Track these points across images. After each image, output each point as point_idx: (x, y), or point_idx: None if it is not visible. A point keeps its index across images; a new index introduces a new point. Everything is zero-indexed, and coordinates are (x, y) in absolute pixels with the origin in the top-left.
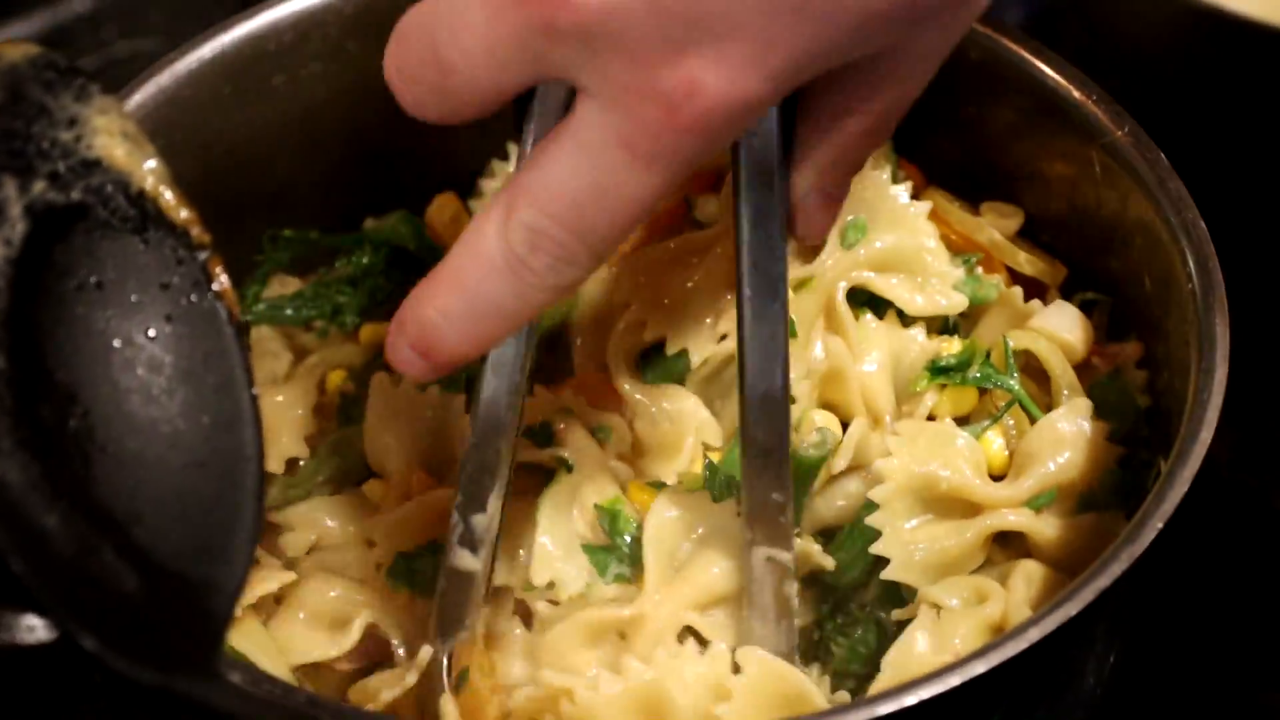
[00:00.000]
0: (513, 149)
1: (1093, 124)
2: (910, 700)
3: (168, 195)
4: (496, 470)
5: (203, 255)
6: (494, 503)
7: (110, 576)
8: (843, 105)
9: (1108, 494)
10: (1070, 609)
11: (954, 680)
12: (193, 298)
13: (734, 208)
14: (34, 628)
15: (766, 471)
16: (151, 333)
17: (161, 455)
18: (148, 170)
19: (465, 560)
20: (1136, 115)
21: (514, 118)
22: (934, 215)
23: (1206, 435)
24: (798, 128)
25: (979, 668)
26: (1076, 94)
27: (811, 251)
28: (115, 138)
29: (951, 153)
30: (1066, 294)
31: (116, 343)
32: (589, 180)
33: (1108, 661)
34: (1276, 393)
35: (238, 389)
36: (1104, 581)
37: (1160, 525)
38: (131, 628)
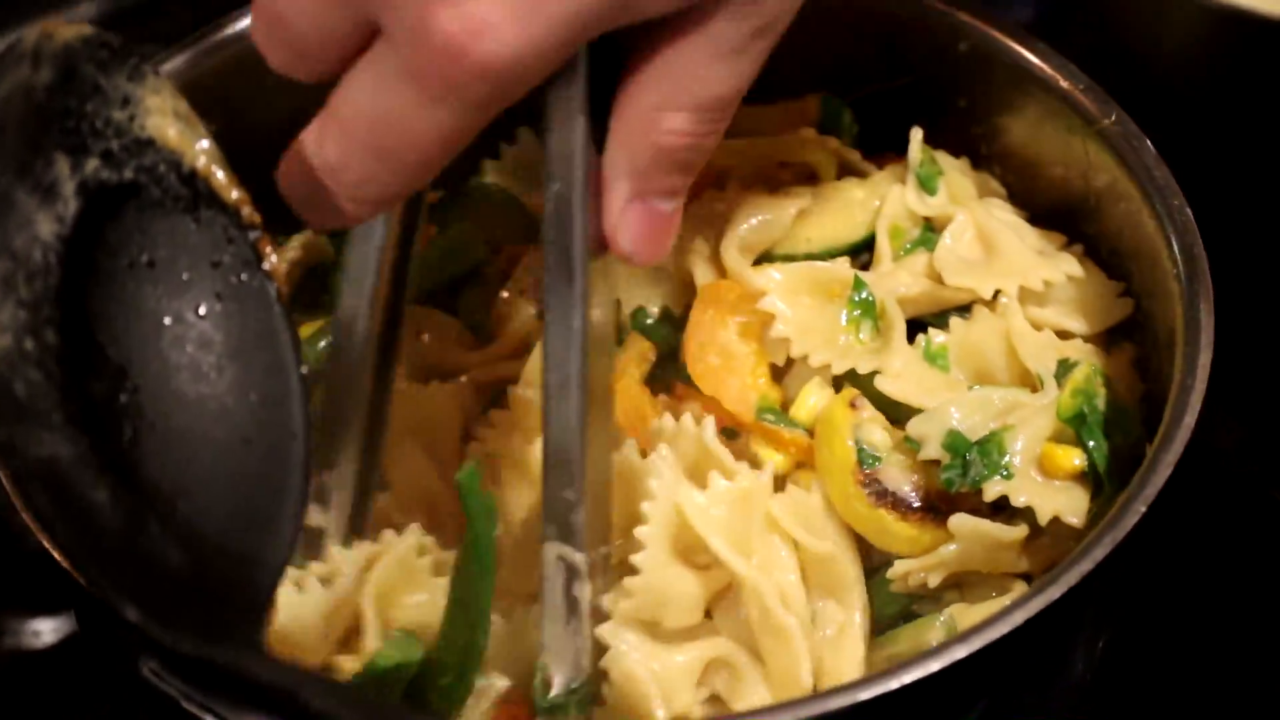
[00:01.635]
0: (505, 149)
1: (1081, 112)
2: (893, 685)
3: (219, 175)
4: (351, 416)
5: (253, 235)
6: (349, 455)
7: (156, 549)
8: (652, 97)
9: None
10: (1053, 593)
11: (935, 665)
12: (243, 276)
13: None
14: (39, 633)
15: (558, 470)
16: (202, 310)
17: (209, 431)
18: (200, 150)
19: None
20: (1145, 112)
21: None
22: None
23: (1190, 419)
24: (609, 134)
25: (961, 652)
26: (1064, 83)
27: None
28: (168, 117)
29: (945, 145)
30: None
31: (167, 320)
32: (383, 109)
33: (1097, 648)
34: (1274, 385)
35: (286, 367)
36: (1087, 565)
37: (1143, 509)
38: (176, 599)
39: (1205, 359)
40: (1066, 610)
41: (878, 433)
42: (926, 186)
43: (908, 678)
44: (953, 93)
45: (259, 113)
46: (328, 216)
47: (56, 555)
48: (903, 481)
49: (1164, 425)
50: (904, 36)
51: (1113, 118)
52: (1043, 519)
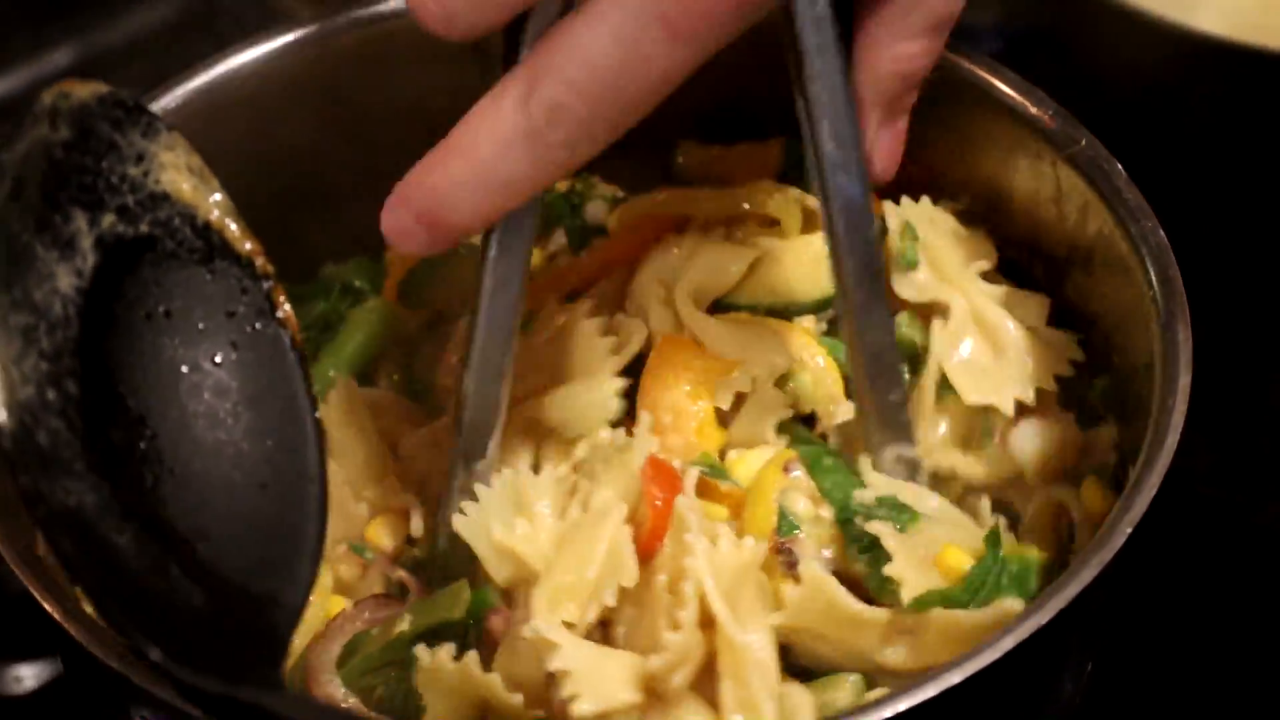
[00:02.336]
0: None
1: (1051, 138)
2: (887, 713)
3: (233, 227)
4: (499, 399)
5: (266, 284)
6: (495, 441)
7: (177, 592)
8: (890, 29)
9: None
10: (1041, 617)
11: (930, 691)
12: (257, 325)
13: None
14: (21, 679)
15: (880, 375)
16: (218, 359)
17: (227, 476)
18: (213, 203)
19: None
20: (1110, 137)
21: (505, 49)
22: None
23: (1172, 441)
24: (854, 68)
25: (955, 677)
26: (1033, 110)
27: None
28: (181, 172)
29: (919, 175)
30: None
31: (184, 369)
32: (620, 56)
33: (1084, 670)
34: (1251, 411)
35: (301, 413)
36: (1075, 589)
37: (1129, 530)
38: (197, 640)
39: (1185, 381)
40: (1055, 634)
41: (801, 501)
42: (905, 259)
43: (902, 705)
44: (924, 123)
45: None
46: (511, 198)
47: (84, 599)
48: (814, 556)
49: (1146, 447)
50: None
51: (1082, 142)
52: (905, 596)
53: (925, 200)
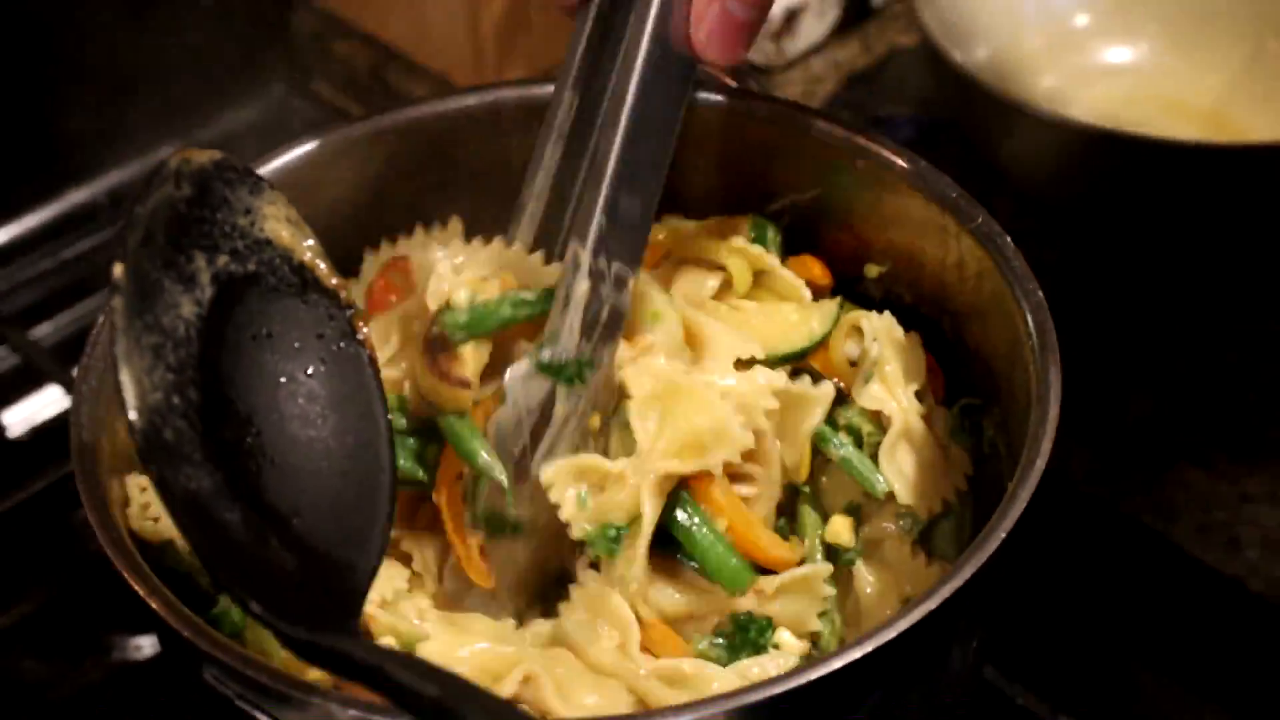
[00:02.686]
0: (455, 223)
1: (956, 214)
2: (793, 684)
3: (322, 266)
4: None
5: (349, 312)
6: None
7: (274, 558)
8: None
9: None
10: (930, 604)
11: (836, 663)
12: (342, 345)
13: None
14: (140, 647)
15: (592, 185)
16: (310, 371)
17: (316, 466)
18: (306, 247)
19: None
20: (1003, 213)
21: None
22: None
23: (1042, 462)
24: None
25: (855, 653)
26: (941, 191)
27: None
28: (281, 222)
29: (850, 242)
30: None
31: (283, 379)
32: None
33: (971, 645)
34: (1121, 422)
35: (376, 416)
36: (957, 582)
37: (1003, 535)
38: (290, 597)
39: (1053, 413)
40: (944, 617)
41: None
42: (865, 375)
43: (808, 676)
44: (851, 199)
45: None
46: None
47: (202, 564)
48: None
49: (1020, 467)
50: (813, 157)
51: (979, 219)
52: None
53: (887, 314)
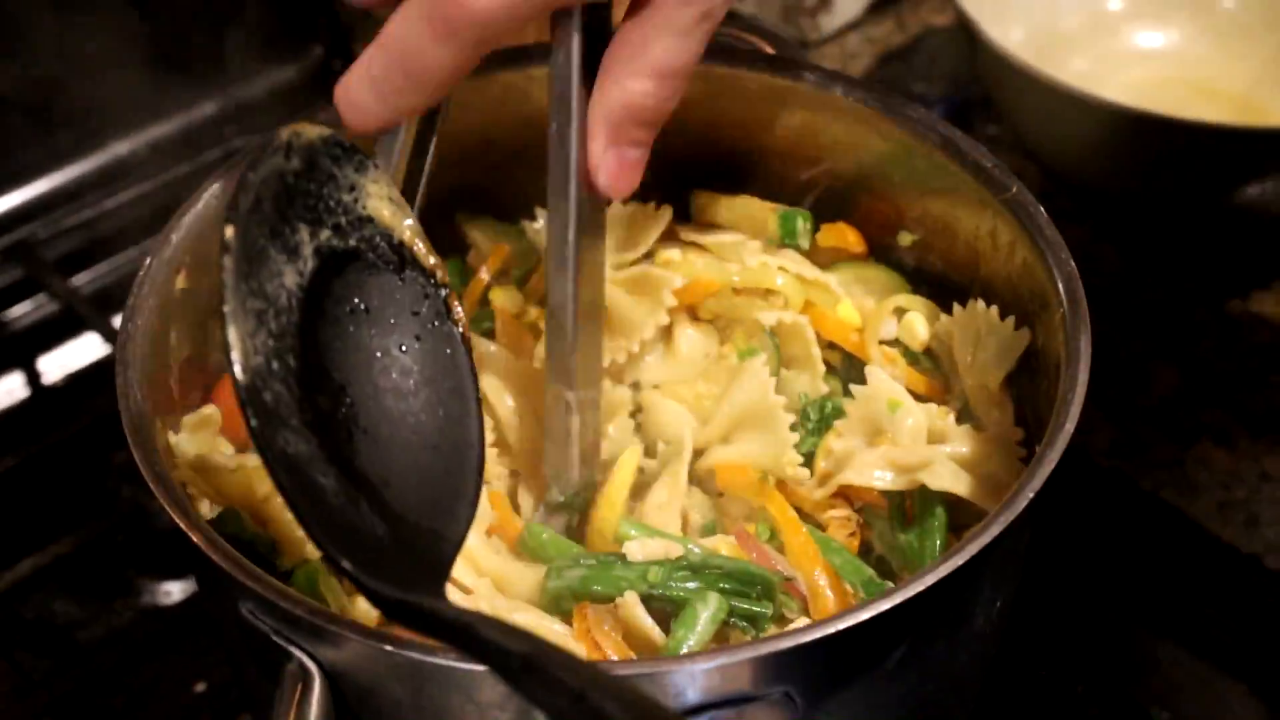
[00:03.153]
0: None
1: (990, 185)
2: (830, 630)
3: (420, 246)
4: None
5: (444, 292)
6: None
7: (365, 523)
8: (622, 66)
9: None
10: (958, 560)
11: (864, 614)
12: (436, 323)
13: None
14: (170, 593)
15: (555, 330)
16: (404, 347)
17: (407, 438)
18: (406, 226)
19: None
20: (1033, 190)
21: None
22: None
23: (1070, 425)
24: (592, 96)
25: (884, 605)
26: (977, 161)
27: None
28: (383, 201)
29: (887, 211)
30: None
31: (378, 354)
32: (409, 42)
33: (995, 606)
34: (1145, 399)
35: (467, 393)
36: (986, 538)
37: (1031, 495)
38: (379, 560)
39: (1083, 378)
40: (971, 573)
41: None
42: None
43: (841, 624)
44: (887, 167)
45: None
46: (367, 119)
47: (298, 522)
48: None
49: (1049, 430)
50: (851, 124)
51: (1014, 189)
52: None
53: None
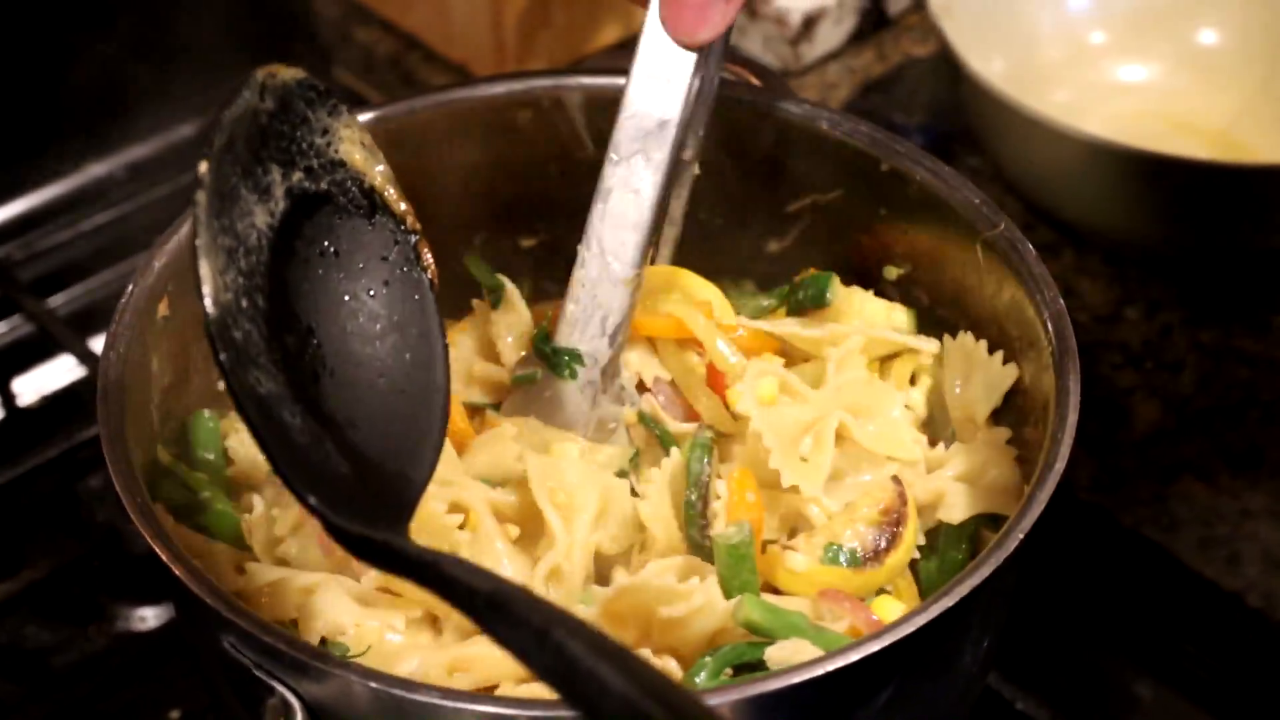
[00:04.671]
0: None
1: (976, 221)
2: (820, 671)
3: (391, 191)
4: None
5: (414, 238)
6: None
7: (331, 462)
8: None
9: None
10: (948, 601)
11: (854, 655)
12: (404, 269)
13: None
14: (145, 618)
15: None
16: (372, 292)
17: (373, 381)
18: (378, 172)
19: None
20: (1013, 216)
21: None
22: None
23: (1060, 466)
24: None
25: (875, 646)
26: (963, 197)
27: None
28: (356, 145)
29: (873, 246)
30: None
31: (345, 297)
32: None
33: (982, 646)
34: (1126, 434)
35: (433, 338)
36: (975, 580)
37: (1021, 536)
38: (345, 498)
39: (1073, 418)
40: (958, 616)
41: None
42: None
43: (830, 665)
44: (875, 203)
45: None
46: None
47: (265, 458)
48: None
49: (1039, 469)
50: (837, 157)
51: (1002, 225)
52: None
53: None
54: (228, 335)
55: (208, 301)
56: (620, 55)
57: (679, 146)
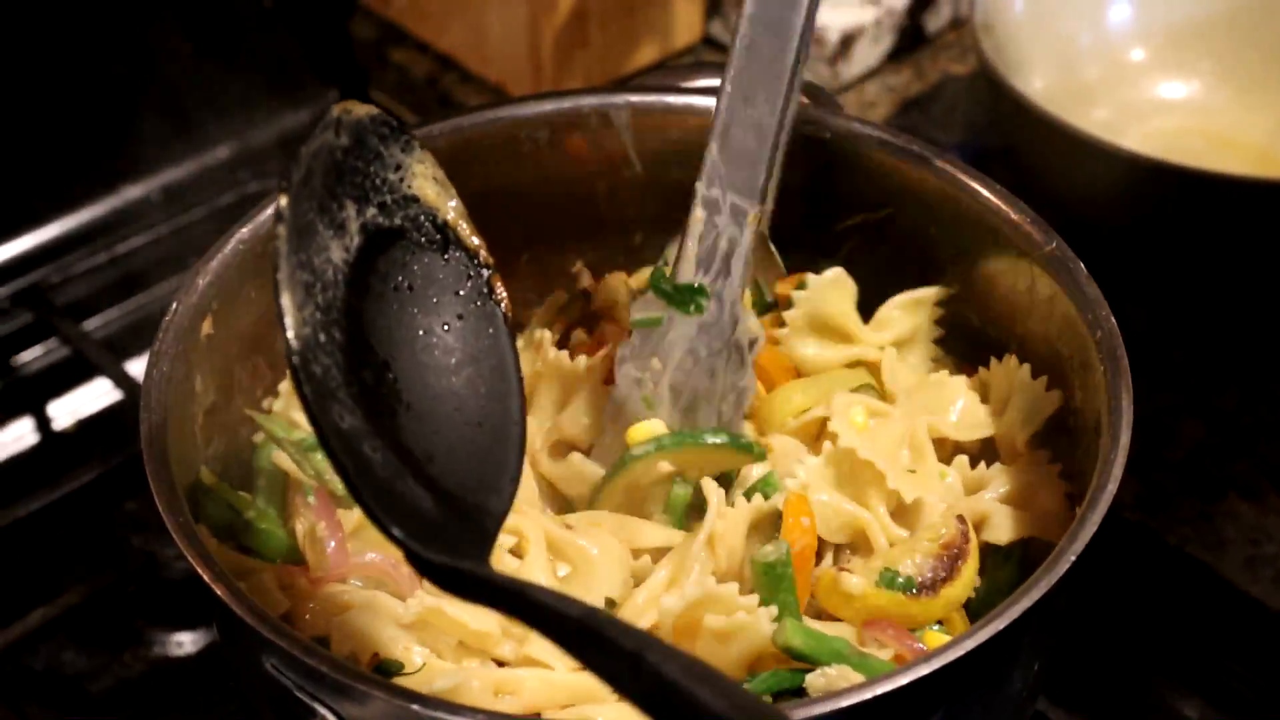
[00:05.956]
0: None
1: (1028, 240)
2: (867, 695)
3: (464, 226)
4: None
5: (487, 272)
6: None
7: (412, 494)
8: None
9: None
10: (999, 624)
11: (903, 679)
12: (479, 303)
13: None
14: (182, 644)
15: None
16: (447, 326)
17: (450, 415)
18: (451, 207)
19: None
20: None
21: None
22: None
23: (1113, 488)
24: None
25: (924, 670)
26: (1015, 216)
27: None
28: (429, 181)
29: (919, 264)
30: None
31: (421, 331)
32: None
33: (1032, 669)
34: (1171, 452)
35: (508, 371)
36: (1026, 602)
37: (1073, 558)
38: (428, 531)
39: (1125, 439)
40: (1008, 638)
41: None
42: None
43: (880, 689)
44: (925, 222)
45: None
46: None
47: (350, 493)
48: None
49: (1091, 490)
50: (887, 175)
51: (1054, 245)
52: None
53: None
54: (309, 369)
55: (290, 334)
56: (658, 74)
57: (796, 77)
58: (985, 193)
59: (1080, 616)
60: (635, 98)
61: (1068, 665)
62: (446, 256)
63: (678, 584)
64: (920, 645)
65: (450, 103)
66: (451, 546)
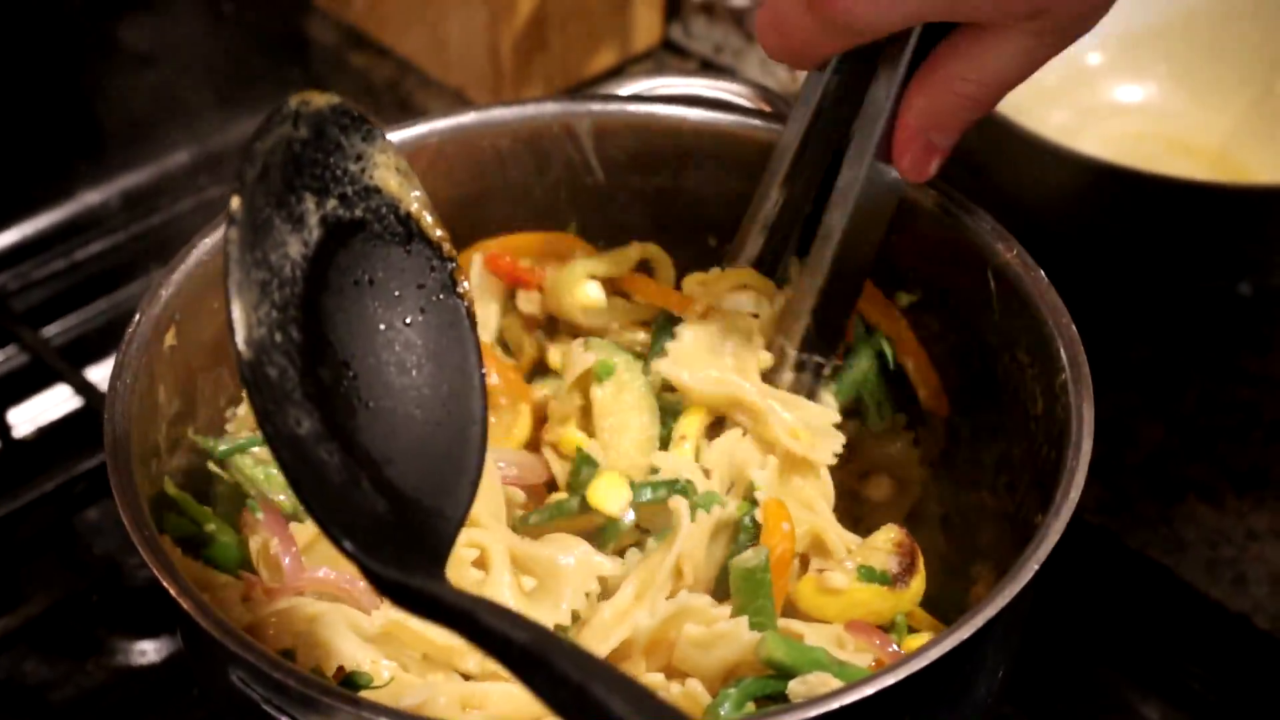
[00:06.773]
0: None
1: (987, 247)
2: (834, 705)
3: (428, 218)
4: None
5: (450, 265)
6: None
7: (367, 501)
8: (958, 66)
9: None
10: (963, 633)
11: (868, 690)
12: (441, 296)
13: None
14: (144, 652)
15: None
16: (408, 320)
17: (410, 413)
18: (414, 198)
19: None
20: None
21: None
22: None
23: (1075, 495)
24: (915, 83)
25: (893, 678)
26: (975, 223)
27: None
28: (391, 171)
29: (882, 270)
30: None
31: (381, 326)
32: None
33: (997, 674)
34: (1131, 456)
35: (471, 368)
36: (991, 611)
37: (1036, 567)
38: (380, 540)
39: (1087, 446)
40: (975, 646)
41: None
42: None
43: (846, 699)
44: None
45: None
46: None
47: (299, 502)
48: None
49: (1055, 499)
50: None
51: (1014, 251)
52: None
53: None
54: (262, 374)
55: (241, 344)
56: (617, 81)
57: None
58: (943, 199)
59: (1043, 620)
60: (598, 106)
61: (1031, 668)
62: (409, 249)
63: (645, 599)
64: (896, 649)
65: (411, 108)
66: (405, 556)
